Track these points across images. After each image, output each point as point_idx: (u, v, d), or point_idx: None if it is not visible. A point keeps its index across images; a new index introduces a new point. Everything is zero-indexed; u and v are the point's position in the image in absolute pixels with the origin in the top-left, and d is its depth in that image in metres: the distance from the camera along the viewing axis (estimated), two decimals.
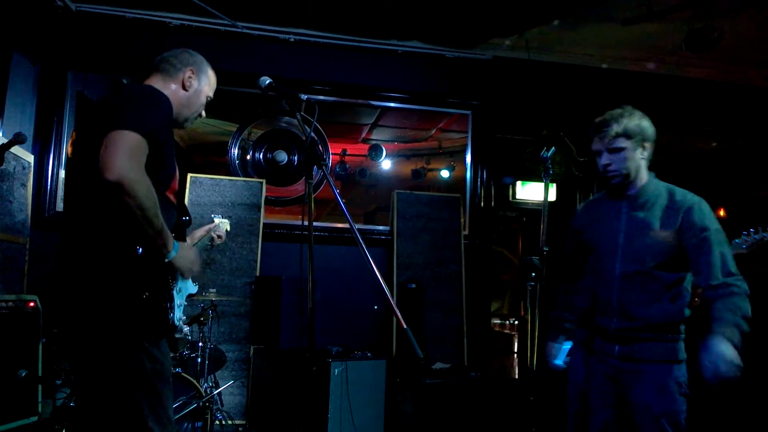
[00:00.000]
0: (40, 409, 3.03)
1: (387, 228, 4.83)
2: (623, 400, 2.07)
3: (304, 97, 1.91)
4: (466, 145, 5.14)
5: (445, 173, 6.55)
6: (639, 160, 2.14)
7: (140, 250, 1.61)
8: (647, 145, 2.16)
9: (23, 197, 3.79)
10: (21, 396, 2.95)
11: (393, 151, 6.56)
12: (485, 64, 4.99)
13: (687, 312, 2.06)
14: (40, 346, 3.10)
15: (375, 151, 6.12)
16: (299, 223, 4.74)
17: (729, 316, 1.85)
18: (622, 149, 2.11)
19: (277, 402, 4.23)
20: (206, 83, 1.96)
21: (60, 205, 4.25)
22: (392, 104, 5.05)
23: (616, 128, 2.12)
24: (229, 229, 2.32)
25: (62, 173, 4.29)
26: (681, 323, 2.07)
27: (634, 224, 2.11)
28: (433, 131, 6.35)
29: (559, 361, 2.33)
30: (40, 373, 3.05)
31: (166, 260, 1.67)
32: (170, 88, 1.87)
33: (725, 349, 1.79)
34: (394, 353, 4.39)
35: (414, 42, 4.85)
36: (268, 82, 1.95)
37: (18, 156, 3.69)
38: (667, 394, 1.99)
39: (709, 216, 2.05)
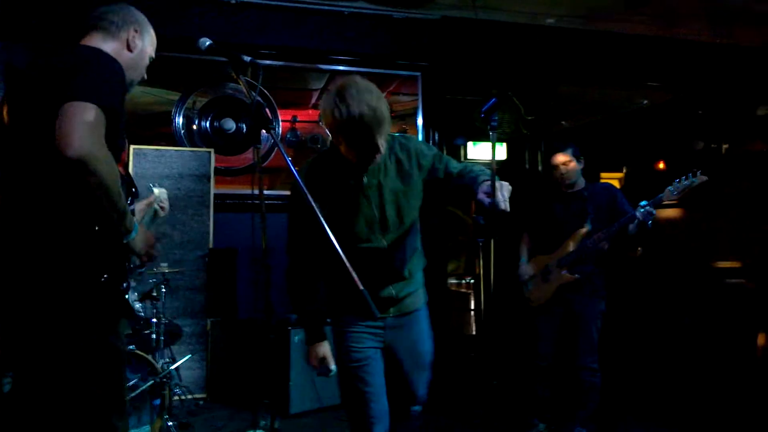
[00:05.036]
0: None
1: None
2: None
3: (247, 59, 1.82)
4: (416, 108, 5.12)
5: None
6: None
7: (97, 229, 1.49)
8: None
9: None
10: None
11: None
12: (433, 24, 4.94)
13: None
14: None
15: None
16: (252, 192, 4.66)
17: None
18: None
19: (238, 373, 4.22)
20: (149, 42, 1.82)
21: None
22: (341, 67, 4.95)
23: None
24: (166, 197, 2.16)
25: None
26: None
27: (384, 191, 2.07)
28: (384, 94, 6.27)
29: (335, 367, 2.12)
30: None
31: (125, 241, 1.57)
32: (113, 49, 1.70)
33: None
34: None
35: (360, 2, 4.73)
36: (208, 43, 1.85)
37: None
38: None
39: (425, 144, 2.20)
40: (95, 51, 1.61)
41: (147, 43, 1.81)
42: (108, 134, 1.48)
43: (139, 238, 1.61)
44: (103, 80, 1.51)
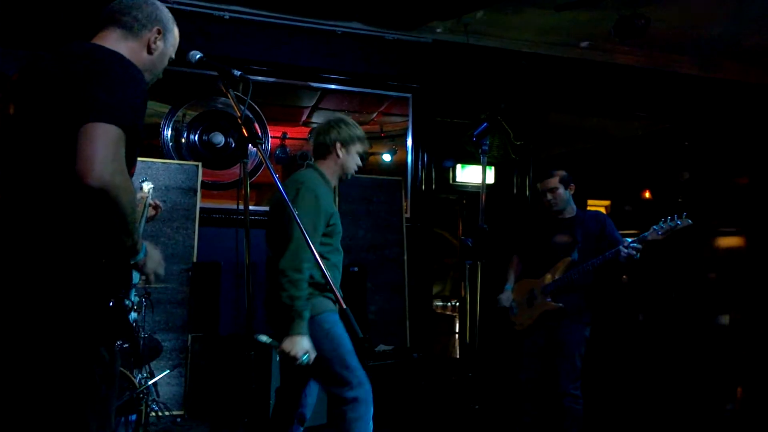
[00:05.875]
0: None
1: None
2: None
3: (237, 73, 1.82)
4: (407, 129, 5.15)
5: (386, 157, 6.52)
6: None
7: (108, 253, 1.43)
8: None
9: None
10: None
11: None
12: (425, 47, 5.00)
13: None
14: None
15: None
16: (238, 207, 4.63)
17: None
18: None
19: (218, 390, 4.15)
20: (171, 44, 1.70)
21: None
22: (333, 86, 4.98)
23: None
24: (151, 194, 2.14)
25: None
26: None
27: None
28: (375, 115, 6.30)
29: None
30: None
31: (132, 262, 1.51)
32: (132, 49, 1.58)
33: None
34: None
35: (354, 23, 4.79)
36: (198, 56, 1.85)
37: None
38: None
39: None
40: (117, 57, 1.48)
41: (169, 44, 1.69)
42: (127, 152, 1.41)
43: (148, 258, 1.55)
44: (128, 97, 1.41)
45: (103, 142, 1.32)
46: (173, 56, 1.75)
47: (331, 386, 2.32)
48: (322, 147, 2.54)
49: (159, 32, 1.64)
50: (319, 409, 3.96)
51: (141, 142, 1.52)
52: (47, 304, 1.39)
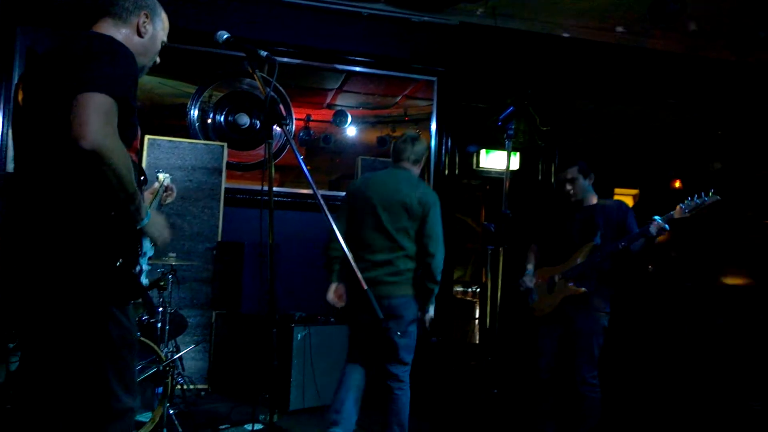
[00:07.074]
0: None
1: None
2: None
3: (263, 53, 1.84)
4: (431, 113, 5.12)
5: None
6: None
7: (113, 215, 1.55)
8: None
9: None
10: None
11: (358, 118, 6.48)
12: (451, 29, 4.94)
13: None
14: None
15: (340, 117, 6.02)
16: (262, 188, 4.67)
17: None
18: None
19: (240, 367, 4.24)
20: (161, 26, 1.82)
21: (10, 167, 4.08)
22: (357, 68, 4.97)
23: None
24: (170, 182, 2.20)
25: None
26: None
27: None
28: (399, 98, 6.28)
29: None
30: None
31: (138, 227, 1.62)
32: (124, 35, 1.72)
33: None
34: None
35: (379, 4, 4.75)
36: (225, 36, 1.88)
37: None
38: None
39: None
40: (107, 39, 1.62)
41: (158, 28, 1.81)
42: (121, 123, 1.51)
43: (152, 222, 1.65)
44: (116, 70, 1.53)
45: (95, 108, 1.44)
46: (165, 39, 1.86)
47: (407, 354, 2.93)
48: (418, 155, 3.05)
49: (147, 16, 1.77)
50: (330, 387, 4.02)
51: (134, 112, 1.63)
52: (58, 264, 1.51)
